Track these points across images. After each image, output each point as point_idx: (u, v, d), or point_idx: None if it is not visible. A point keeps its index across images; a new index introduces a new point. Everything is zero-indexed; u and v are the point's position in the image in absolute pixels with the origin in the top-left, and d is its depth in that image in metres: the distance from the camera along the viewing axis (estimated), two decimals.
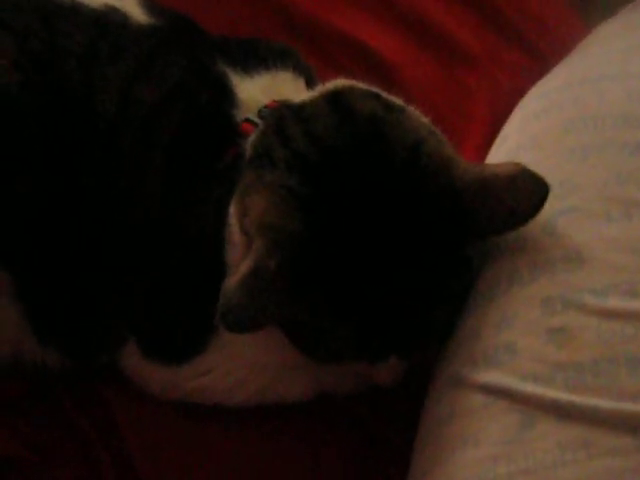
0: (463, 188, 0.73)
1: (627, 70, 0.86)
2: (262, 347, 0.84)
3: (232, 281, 0.70)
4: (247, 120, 0.83)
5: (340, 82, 0.81)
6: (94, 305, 0.86)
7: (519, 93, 0.98)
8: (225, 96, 0.85)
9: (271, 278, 0.70)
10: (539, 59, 1.13)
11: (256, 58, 0.89)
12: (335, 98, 0.78)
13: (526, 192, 0.73)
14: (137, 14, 0.89)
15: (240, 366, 0.86)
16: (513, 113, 0.94)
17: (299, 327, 0.78)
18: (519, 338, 0.71)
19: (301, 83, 0.89)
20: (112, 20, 0.87)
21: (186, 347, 0.86)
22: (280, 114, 0.80)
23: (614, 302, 0.69)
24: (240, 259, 0.73)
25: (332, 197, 0.73)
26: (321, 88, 0.82)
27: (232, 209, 0.78)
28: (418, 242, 0.73)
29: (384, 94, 0.80)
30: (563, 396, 0.66)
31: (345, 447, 0.88)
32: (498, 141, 0.92)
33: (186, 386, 0.87)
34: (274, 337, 0.80)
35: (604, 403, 0.65)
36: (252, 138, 0.80)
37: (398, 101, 0.80)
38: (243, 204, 0.76)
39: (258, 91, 0.86)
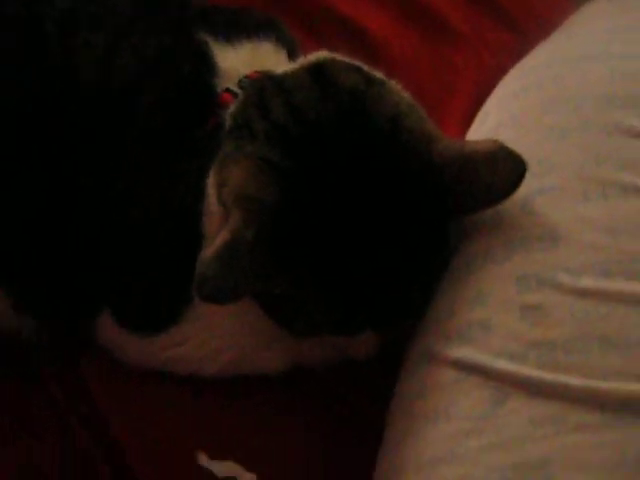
0: (442, 164, 0.73)
1: (610, 51, 0.86)
2: (238, 318, 0.84)
3: (208, 252, 0.70)
4: (227, 90, 0.83)
5: (322, 54, 0.81)
6: (70, 273, 0.86)
7: (503, 71, 0.98)
8: (206, 65, 0.85)
9: (247, 249, 0.70)
10: (524, 38, 1.12)
11: (239, 28, 0.88)
12: (317, 70, 0.78)
13: (504, 170, 0.73)
14: None
15: (215, 337, 0.86)
16: (495, 90, 0.94)
17: (275, 300, 0.78)
18: (493, 315, 0.71)
19: (283, 55, 0.88)
20: None
21: (162, 317, 0.86)
22: (261, 85, 0.79)
23: (588, 281, 0.69)
24: (217, 230, 0.73)
25: (311, 170, 0.73)
26: (303, 60, 0.82)
27: (210, 180, 0.78)
28: (397, 217, 0.74)
29: (366, 67, 0.80)
30: (535, 373, 0.67)
31: (319, 419, 0.88)
32: (479, 118, 0.92)
33: (161, 356, 0.87)
34: (250, 309, 0.80)
35: (575, 381, 0.65)
36: (232, 108, 0.80)
37: (380, 75, 0.80)
38: (221, 175, 0.76)
39: (239, 61, 0.85)
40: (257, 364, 0.88)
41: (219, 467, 0.87)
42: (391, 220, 0.74)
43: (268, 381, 0.89)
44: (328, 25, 1.12)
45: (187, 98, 0.84)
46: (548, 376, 0.66)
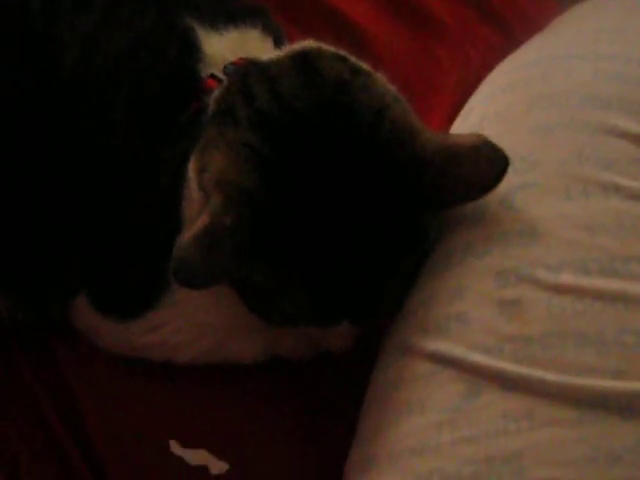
0: (425, 157, 0.73)
1: (596, 51, 0.86)
2: (214, 306, 0.83)
3: (186, 236, 0.69)
4: (212, 76, 0.82)
5: (308, 43, 0.81)
6: (47, 254, 0.85)
7: (489, 68, 0.98)
8: (191, 50, 0.84)
9: (226, 235, 0.70)
10: (511, 36, 1.13)
11: (225, 15, 0.88)
12: (302, 59, 0.78)
13: (486, 164, 0.73)
14: None
15: (191, 324, 0.86)
16: (480, 86, 0.94)
17: (252, 288, 0.77)
18: (470, 309, 0.71)
19: (269, 42, 0.88)
20: None
21: (138, 302, 0.85)
22: (245, 71, 0.79)
23: (566, 278, 0.69)
24: (197, 215, 0.73)
25: (293, 158, 0.73)
26: (289, 48, 0.81)
27: (191, 165, 0.77)
28: (377, 208, 0.73)
29: (352, 58, 0.80)
30: (510, 367, 0.67)
31: (293, 410, 0.88)
32: (463, 113, 0.91)
33: (136, 341, 0.87)
34: (227, 297, 0.80)
35: (550, 376, 0.65)
36: (216, 94, 0.79)
37: (365, 66, 0.79)
38: (202, 160, 0.75)
39: (225, 47, 0.85)
40: (232, 353, 0.88)
41: (191, 455, 0.87)
42: (371, 211, 0.73)
43: (243, 370, 0.89)
44: (315, 17, 1.12)
45: (171, 83, 0.84)
46: (523, 370, 0.66)
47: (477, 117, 0.87)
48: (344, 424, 0.81)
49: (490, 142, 0.72)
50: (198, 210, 0.74)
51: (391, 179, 0.73)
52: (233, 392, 0.89)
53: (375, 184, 0.73)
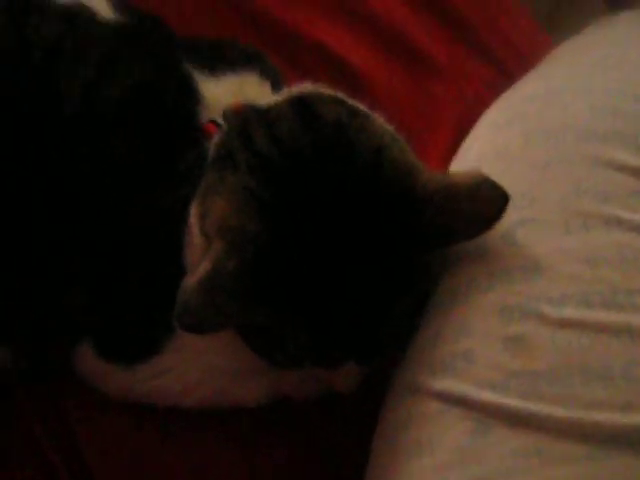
0: (425, 196, 0.74)
1: (590, 85, 0.87)
2: (219, 349, 0.83)
3: (189, 281, 0.70)
4: (211, 121, 0.83)
5: (305, 86, 0.82)
6: (49, 302, 0.85)
7: (485, 105, 0.99)
8: (190, 96, 0.85)
9: (229, 280, 0.70)
10: (505, 73, 1.14)
11: (223, 60, 0.89)
12: (300, 102, 0.78)
13: (486, 201, 0.73)
14: (105, 11, 0.89)
15: (196, 368, 0.85)
16: (477, 123, 0.95)
17: (257, 331, 0.77)
18: (476, 346, 0.71)
19: (267, 86, 0.89)
20: (80, 16, 0.87)
21: (142, 347, 0.85)
22: (244, 116, 0.79)
23: (570, 312, 0.69)
24: (199, 261, 0.73)
25: (293, 201, 0.73)
26: (286, 92, 0.82)
27: (193, 210, 0.78)
28: (378, 249, 0.73)
29: (349, 100, 0.81)
30: (517, 404, 0.67)
31: (299, 452, 0.88)
32: (461, 151, 0.92)
33: (141, 387, 0.87)
34: (231, 340, 0.80)
35: (558, 411, 0.65)
36: (215, 139, 0.80)
37: (363, 107, 0.80)
38: (204, 205, 0.75)
39: (223, 93, 0.86)
40: (238, 396, 0.88)
41: None
42: (373, 253, 0.73)
43: (247, 412, 0.89)
44: (310, 57, 1.13)
45: (170, 129, 0.84)
46: (531, 407, 0.66)
47: (475, 154, 0.88)
48: (351, 466, 0.80)
49: (489, 179, 0.73)
50: (200, 255, 0.74)
51: (391, 219, 0.74)
52: (237, 434, 0.89)
53: (374, 224, 0.73)
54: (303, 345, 0.76)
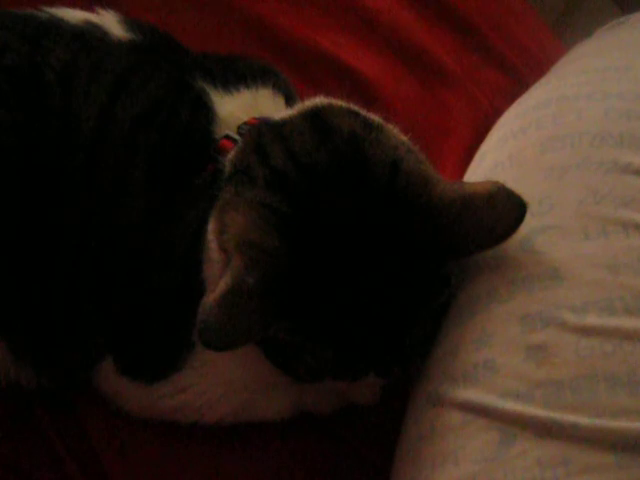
0: (442, 207, 0.73)
1: (604, 89, 0.86)
2: (239, 365, 0.83)
3: (210, 298, 0.70)
4: (226, 137, 0.83)
5: (319, 100, 0.82)
6: (70, 322, 0.85)
7: (498, 112, 0.99)
8: (204, 113, 0.85)
9: (249, 296, 0.70)
10: (518, 79, 1.14)
11: (236, 75, 0.89)
12: (314, 116, 0.79)
13: (504, 211, 0.73)
14: (117, 31, 0.89)
15: (217, 384, 0.85)
16: (491, 131, 0.94)
17: (278, 346, 0.77)
18: (498, 355, 0.71)
19: (280, 101, 0.89)
20: (92, 36, 0.87)
21: (163, 365, 0.85)
22: (259, 131, 0.80)
23: (592, 319, 0.69)
24: (218, 276, 0.73)
25: (311, 215, 0.73)
26: (300, 106, 0.82)
27: (210, 226, 0.78)
28: (397, 261, 0.73)
29: (363, 112, 0.80)
30: (542, 413, 0.66)
31: (323, 464, 0.87)
32: (476, 159, 0.92)
33: (162, 404, 0.87)
34: (252, 355, 0.80)
35: (583, 420, 0.65)
36: (231, 155, 0.80)
37: (377, 119, 0.80)
38: (221, 221, 0.75)
39: (237, 108, 0.86)
40: (260, 411, 0.88)
41: None
42: (392, 265, 0.73)
43: (269, 426, 0.89)
44: (320, 68, 1.13)
45: (186, 146, 0.85)
46: (556, 416, 0.66)
47: (491, 162, 0.87)
48: (378, 477, 0.80)
49: (507, 189, 0.73)
50: (219, 271, 0.74)
51: (409, 231, 0.73)
52: (260, 448, 0.89)
53: (393, 237, 0.73)
54: (324, 359, 0.75)
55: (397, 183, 0.74)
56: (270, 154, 0.76)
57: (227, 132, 0.84)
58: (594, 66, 0.92)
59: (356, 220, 0.73)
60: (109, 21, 0.90)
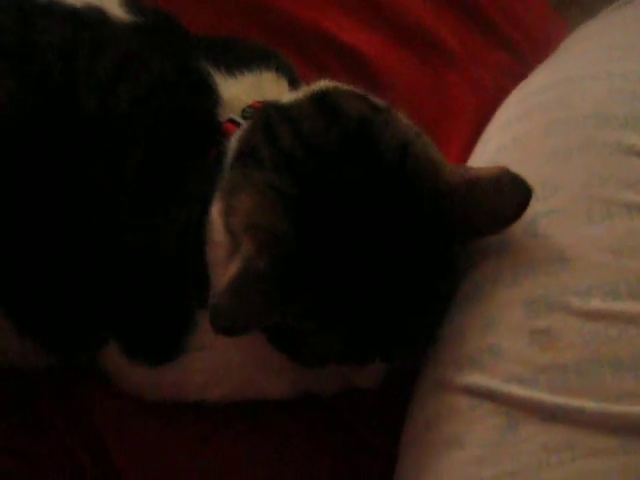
0: (449, 190, 0.73)
1: (609, 70, 0.86)
2: (240, 346, 0.83)
3: (222, 283, 0.69)
4: (230, 120, 0.83)
5: (325, 83, 0.81)
6: (75, 304, 0.85)
7: (503, 93, 0.98)
8: (208, 95, 0.85)
9: (260, 280, 0.70)
10: (522, 60, 1.13)
11: (238, 58, 0.88)
12: (321, 99, 0.78)
13: (510, 195, 0.73)
14: (118, 12, 0.88)
15: (219, 363, 0.85)
16: (496, 114, 0.94)
17: (284, 331, 0.77)
18: (503, 340, 0.71)
19: (284, 84, 0.88)
20: (92, 17, 0.87)
21: (165, 347, 0.85)
22: (266, 113, 0.79)
23: (597, 303, 0.69)
24: (222, 258, 0.73)
25: (320, 198, 0.73)
26: (307, 89, 0.81)
27: (216, 208, 0.77)
28: (405, 244, 0.73)
29: (370, 96, 0.80)
30: (547, 398, 0.67)
31: (329, 449, 0.88)
32: (481, 142, 0.92)
33: (166, 385, 0.87)
34: (254, 336, 0.80)
35: (588, 404, 0.65)
36: (237, 136, 0.79)
37: (383, 102, 0.80)
38: (229, 203, 0.75)
39: (242, 91, 0.85)
40: (260, 391, 0.88)
41: None
42: (399, 247, 0.73)
43: (273, 409, 0.89)
44: (325, 53, 1.12)
45: (188, 127, 0.84)
46: (561, 400, 0.66)
47: (495, 145, 0.87)
48: (381, 462, 0.80)
49: (513, 173, 0.72)
50: (225, 253, 0.74)
51: (417, 214, 0.73)
52: (268, 432, 0.89)
53: (402, 220, 0.73)
54: (332, 343, 0.76)
55: (407, 167, 0.74)
56: (278, 135, 0.76)
57: (231, 115, 0.83)
58: (599, 47, 0.92)
59: (365, 203, 0.73)
60: (110, 3, 0.89)
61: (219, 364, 0.86)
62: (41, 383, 0.91)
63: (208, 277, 0.79)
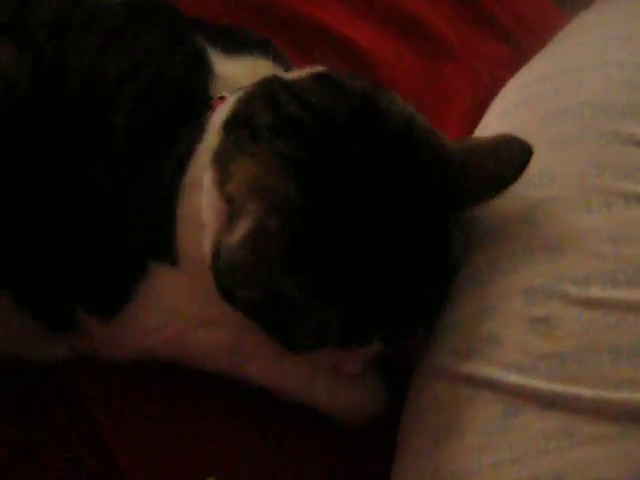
0: (449, 158, 0.74)
1: (605, 59, 0.86)
2: (185, 297, 0.83)
3: (230, 240, 0.68)
4: (222, 98, 0.82)
5: (320, 68, 0.81)
6: (48, 264, 0.85)
7: (499, 83, 0.98)
8: (201, 67, 0.84)
9: (272, 239, 0.68)
10: (518, 50, 1.13)
11: (236, 42, 0.88)
12: (324, 77, 0.78)
13: (509, 155, 0.74)
14: None
15: (159, 311, 0.85)
16: (492, 103, 0.94)
17: (280, 308, 0.75)
18: (501, 329, 0.71)
19: (281, 73, 0.88)
20: None
21: (115, 298, 0.85)
22: (268, 84, 0.78)
23: (595, 291, 0.69)
24: (218, 226, 0.72)
25: (328, 166, 0.72)
26: (304, 71, 0.81)
27: (208, 176, 0.75)
28: (413, 214, 0.73)
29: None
30: (546, 386, 0.67)
31: (326, 442, 0.87)
32: (478, 131, 0.91)
33: (122, 339, 0.87)
34: (200, 291, 0.79)
35: (587, 392, 0.65)
36: (231, 103, 0.78)
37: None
38: (225, 170, 0.73)
39: (237, 71, 0.84)
40: (198, 346, 0.87)
41: None
42: (408, 218, 0.73)
43: (273, 408, 0.89)
44: (322, 45, 1.12)
45: (178, 97, 0.83)
46: (559, 388, 0.66)
47: (492, 135, 0.87)
48: (380, 453, 0.80)
49: (511, 135, 0.74)
50: (222, 221, 0.72)
51: (422, 184, 0.73)
52: (268, 431, 0.88)
53: (411, 190, 0.73)
54: (329, 320, 0.74)
55: (413, 139, 0.74)
56: (281, 103, 0.75)
57: (224, 93, 0.82)
58: (595, 36, 0.92)
59: (374, 174, 0.72)
60: None
61: (159, 312, 0.85)
62: (43, 382, 0.91)
63: (174, 232, 0.80)
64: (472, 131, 0.94)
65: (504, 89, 0.94)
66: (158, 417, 0.89)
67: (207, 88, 0.83)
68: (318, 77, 0.78)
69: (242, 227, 0.68)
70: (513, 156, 0.74)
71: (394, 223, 0.72)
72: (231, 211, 0.71)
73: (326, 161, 0.72)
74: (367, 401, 0.85)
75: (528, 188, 0.75)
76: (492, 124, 0.90)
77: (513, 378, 0.68)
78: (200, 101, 0.83)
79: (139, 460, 0.87)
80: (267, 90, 0.78)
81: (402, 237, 0.72)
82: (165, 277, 0.82)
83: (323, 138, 0.73)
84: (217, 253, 0.72)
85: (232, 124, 0.77)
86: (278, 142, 0.73)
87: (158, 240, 0.81)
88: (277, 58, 0.89)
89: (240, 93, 0.80)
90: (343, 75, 0.79)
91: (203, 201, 0.76)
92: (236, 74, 0.84)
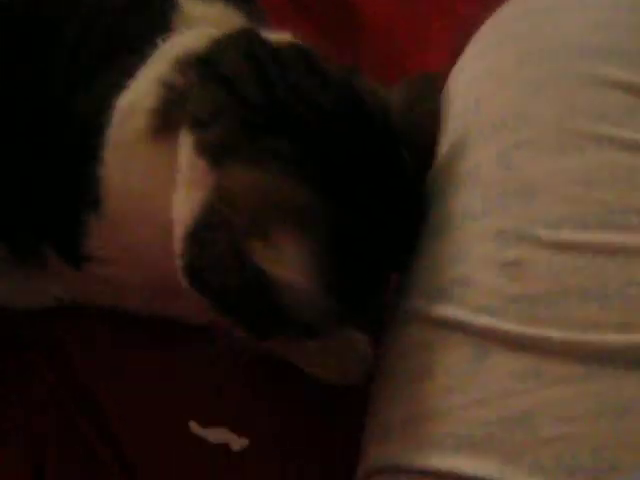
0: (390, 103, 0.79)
1: (583, 0, 0.85)
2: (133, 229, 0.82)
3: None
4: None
5: (294, 40, 0.81)
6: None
7: (478, 24, 0.97)
8: (169, 1, 0.83)
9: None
10: None
11: None
12: (305, 56, 0.78)
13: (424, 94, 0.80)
14: None
15: (114, 242, 0.84)
16: (469, 44, 0.93)
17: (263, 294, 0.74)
18: (473, 272, 0.72)
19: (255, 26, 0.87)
20: None
21: (73, 236, 0.84)
22: (250, 41, 0.78)
23: (566, 234, 0.69)
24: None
25: (325, 161, 0.73)
26: (279, 38, 0.80)
27: (186, 149, 0.75)
28: (398, 190, 0.76)
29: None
30: (516, 328, 0.67)
31: (308, 387, 0.89)
32: (453, 72, 0.90)
33: (83, 280, 0.87)
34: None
35: (555, 334, 0.66)
36: (205, 39, 0.78)
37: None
38: (218, 162, 0.73)
39: (208, 14, 0.83)
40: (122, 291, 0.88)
41: (212, 434, 0.89)
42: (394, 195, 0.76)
43: (273, 408, 0.90)
44: None
45: (136, 23, 0.83)
46: (528, 330, 0.67)
47: (467, 76, 0.86)
48: (360, 397, 0.81)
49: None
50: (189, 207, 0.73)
51: (400, 161, 0.77)
52: (267, 430, 0.90)
53: (395, 170, 0.77)
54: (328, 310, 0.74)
55: (389, 122, 0.77)
56: (271, 79, 0.75)
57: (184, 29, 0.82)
58: None
59: (363, 161, 0.74)
60: None
61: (114, 243, 0.84)
62: (30, 337, 0.93)
63: (98, 177, 0.79)
64: (449, 71, 0.93)
65: (481, 29, 0.93)
66: (167, 415, 0.90)
67: (170, 21, 0.82)
68: (300, 55, 0.78)
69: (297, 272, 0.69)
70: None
71: (382, 200, 0.75)
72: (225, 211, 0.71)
73: (324, 159, 0.73)
74: (354, 358, 0.86)
75: (503, 131, 0.75)
76: (469, 65, 0.88)
77: (484, 320, 0.69)
78: (160, 33, 0.81)
79: (151, 458, 0.89)
80: (249, 50, 0.77)
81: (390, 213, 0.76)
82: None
83: (319, 130, 0.73)
84: (189, 239, 0.72)
85: (201, 67, 0.76)
86: (278, 142, 0.72)
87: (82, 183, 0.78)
88: (254, 14, 0.88)
89: (206, 33, 0.79)
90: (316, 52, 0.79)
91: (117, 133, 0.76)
92: (206, 16, 0.83)
